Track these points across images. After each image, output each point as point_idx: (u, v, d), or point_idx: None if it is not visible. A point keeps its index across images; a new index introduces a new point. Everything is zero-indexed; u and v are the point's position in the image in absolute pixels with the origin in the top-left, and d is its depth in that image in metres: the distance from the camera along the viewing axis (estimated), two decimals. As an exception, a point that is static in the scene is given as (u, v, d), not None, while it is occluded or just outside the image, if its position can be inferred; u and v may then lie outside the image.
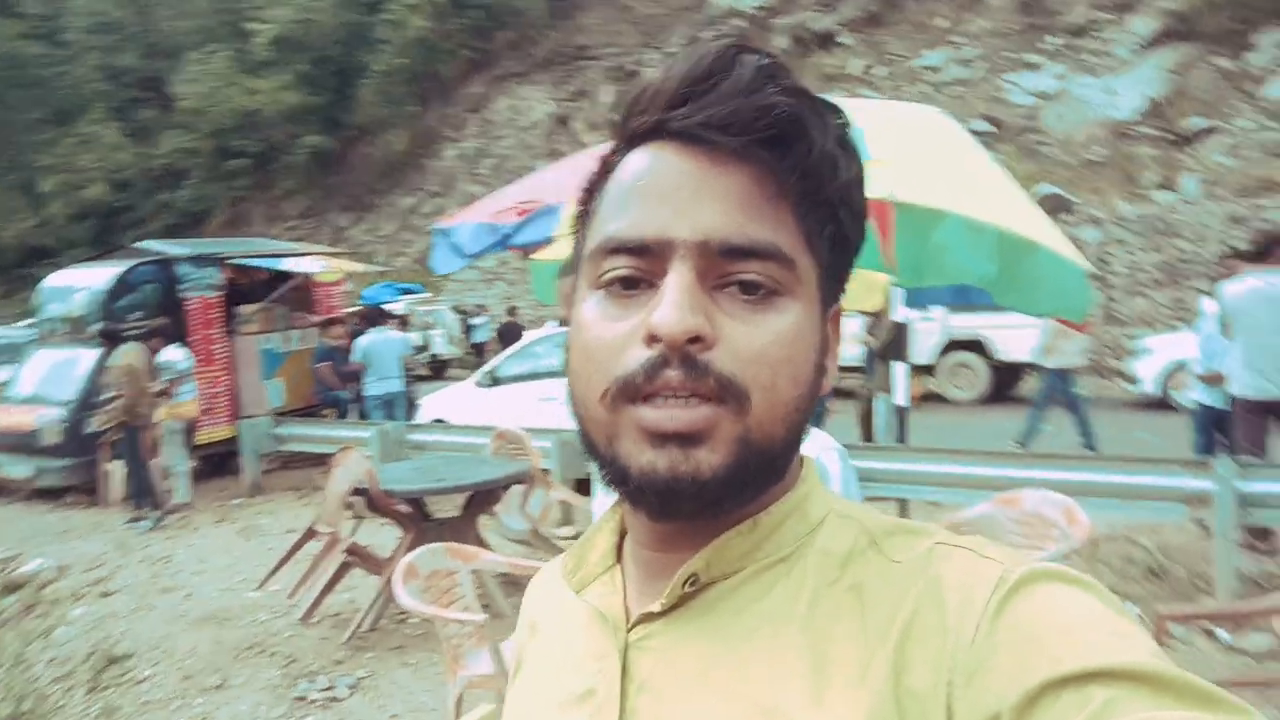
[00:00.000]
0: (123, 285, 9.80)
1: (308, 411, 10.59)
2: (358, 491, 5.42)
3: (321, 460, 9.60)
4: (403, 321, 12.17)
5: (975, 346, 12.62)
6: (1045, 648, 0.47)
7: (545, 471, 6.46)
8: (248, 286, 10.99)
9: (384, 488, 5.26)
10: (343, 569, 5.57)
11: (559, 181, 3.58)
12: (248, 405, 10.08)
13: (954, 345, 12.69)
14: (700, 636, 0.58)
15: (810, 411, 0.59)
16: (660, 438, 0.54)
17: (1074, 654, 0.46)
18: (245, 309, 10.52)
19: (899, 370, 6.21)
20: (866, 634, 0.53)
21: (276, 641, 5.19)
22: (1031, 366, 12.77)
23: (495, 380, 9.39)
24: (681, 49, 0.59)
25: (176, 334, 9.31)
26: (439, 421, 9.41)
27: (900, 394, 6.16)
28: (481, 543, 5.41)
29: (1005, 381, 13.03)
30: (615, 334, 0.56)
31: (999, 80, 18.96)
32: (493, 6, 27.46)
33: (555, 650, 0.67)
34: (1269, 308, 5.43)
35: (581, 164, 3.53)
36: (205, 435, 9.70)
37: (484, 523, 5.99)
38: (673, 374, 0.53)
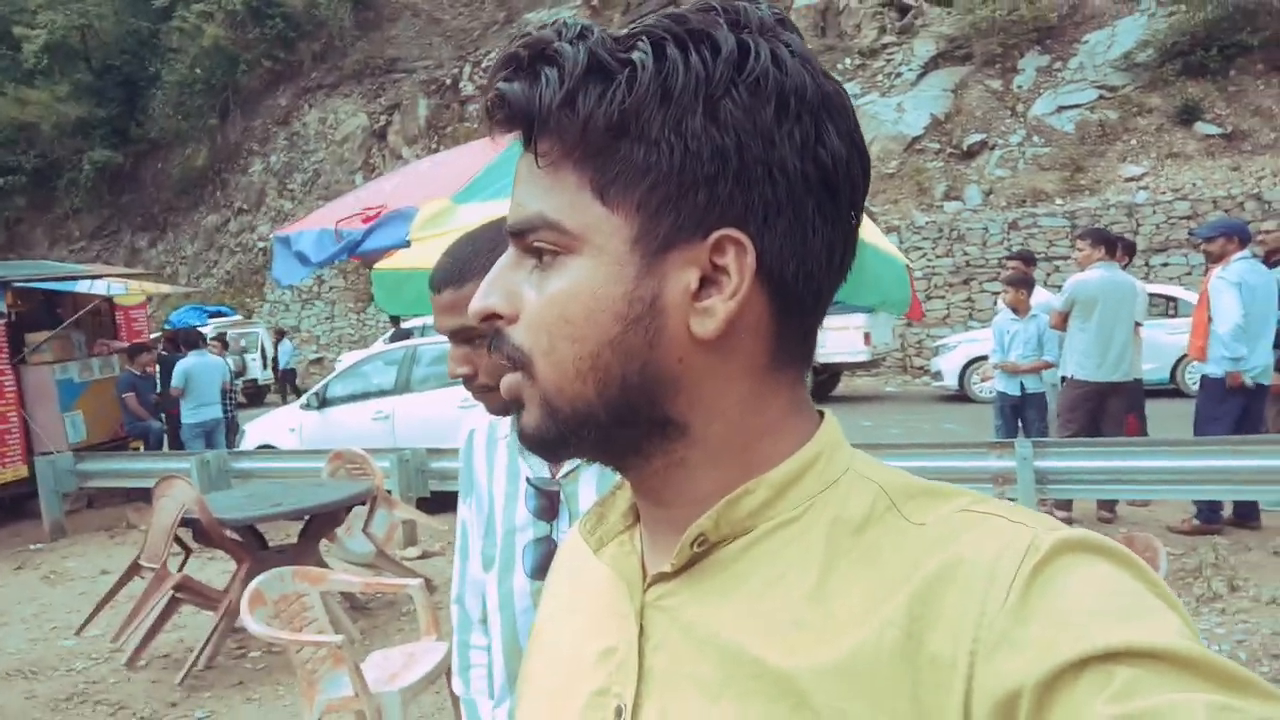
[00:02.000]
0: (-116, 315, 8.81)
1: (114, 445, 9.82)
2: (185, 523, 5.12)
3: (133, 496, 8.96)
4: (223, 344, 11.52)
5: (794, 349, 13.29)
6: (1071, 624, 0.46)
7: (388, 491, 6.31)
8: (36, 312, 10.09)
9: (216, 516, 4.99)
10: (171, 606, 5.23)
11: (402, 186, 3.53)
12: (44, 441, 9.24)
13: (774, 348, 13.33)
14: (712, 597, 0.58)
15: (632, 362, 0.56)
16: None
17: (1100, 632, 0.45)
18: (35, 337, 9.65)
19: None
20: (877, 596, 0.53)
21: (101, 689, 4.81)
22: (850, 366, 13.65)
23: (324, 402, 9.07)
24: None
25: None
26: (265, 448, 8.98)
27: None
28: (324, 568, 5.23)
29: (824, 382, 13.81)
30: None
31: (802, 98, 20.10)
32: (294, 15, 26.34)
33: (581, 607, 0.69)
34: (1115, 297, 5.96)
35: (421, 170, 3.50)
36: (-6, 477, 8.81)
37: (325, 548, 5.79)
38: (492, 347, 0.60)
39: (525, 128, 0.56)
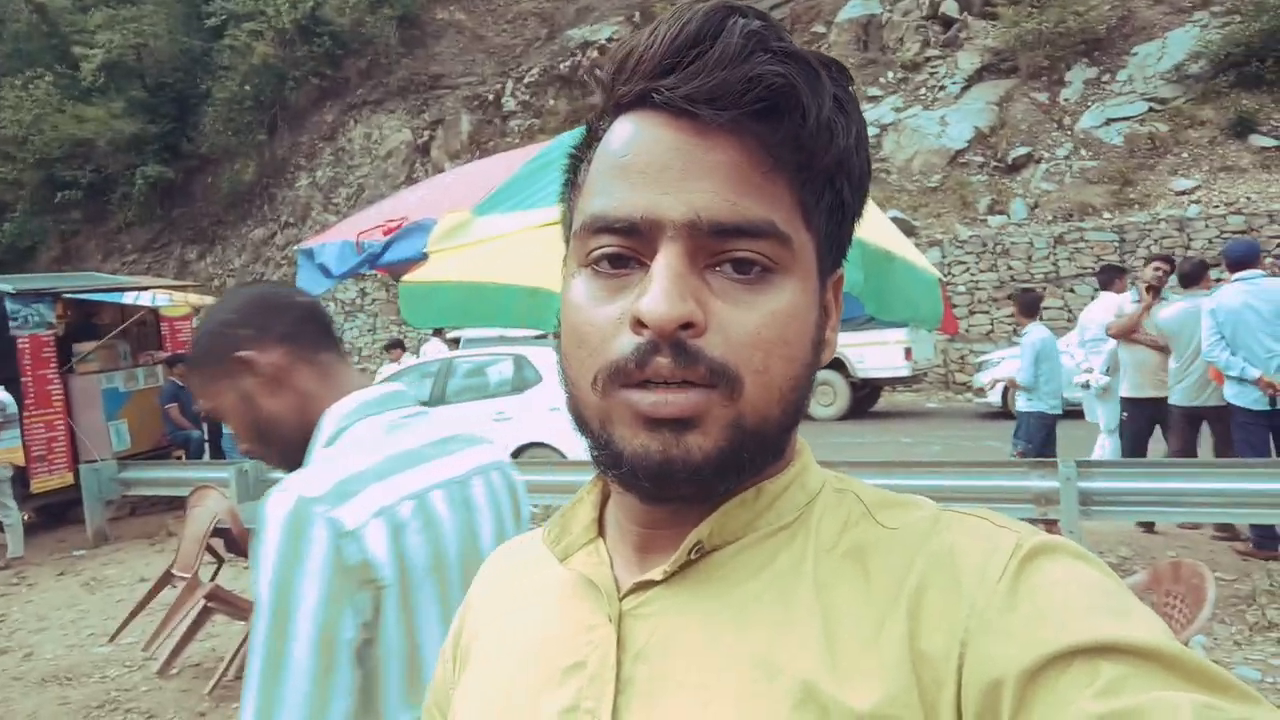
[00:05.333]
0: (-60, 325, 9.05)
1: (156, 453, 9.98)
2: (218, 532, 5.16)
3: (174, 504, 9.08)
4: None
5: (834, 365, 13.14)
6: (1057, 617, 0.47)
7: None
8: (85, 323, 10.32)
9: (248, 526, 5.02)
10: (203, 615, 5.26)
11: (425, 198, 3.53)
12: (89, 449, 9.41)
13: (814, 364, 13.16)
14: (704, 602, 0.56)
15: (808, 388, 0.57)
16: (654, 422, 0.52)
17: (1086, 626, 0.46)
18: (83, 346, 9.86)
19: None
20: (872, 596, 0.53)
21: (132, 697, 4.85)
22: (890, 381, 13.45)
23: (360, 413, 9.12)
24: (669, 9, 0.55)
25: (5, 375, 8.63)
26: (301, 458, 9.06)
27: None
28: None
29: (864, 398, 13.62)
30: (605, 317, 0.54)
31: (843, 111, 19.94)
32: (341, 34, 26.79)
33: (526, 629, 0.64)
34: (1195, 327, 5.94)
35: (445, 182, 3.50)
36: (41, 483, 8.99)
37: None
38: (663, 361, 0.51)
39: (762, 124, 0.52)
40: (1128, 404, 6.43)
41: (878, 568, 0.54)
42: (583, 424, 0.57)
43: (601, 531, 0.64)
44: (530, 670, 0.61)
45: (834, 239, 0.59)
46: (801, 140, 0.53)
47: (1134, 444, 6.40)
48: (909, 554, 0.53)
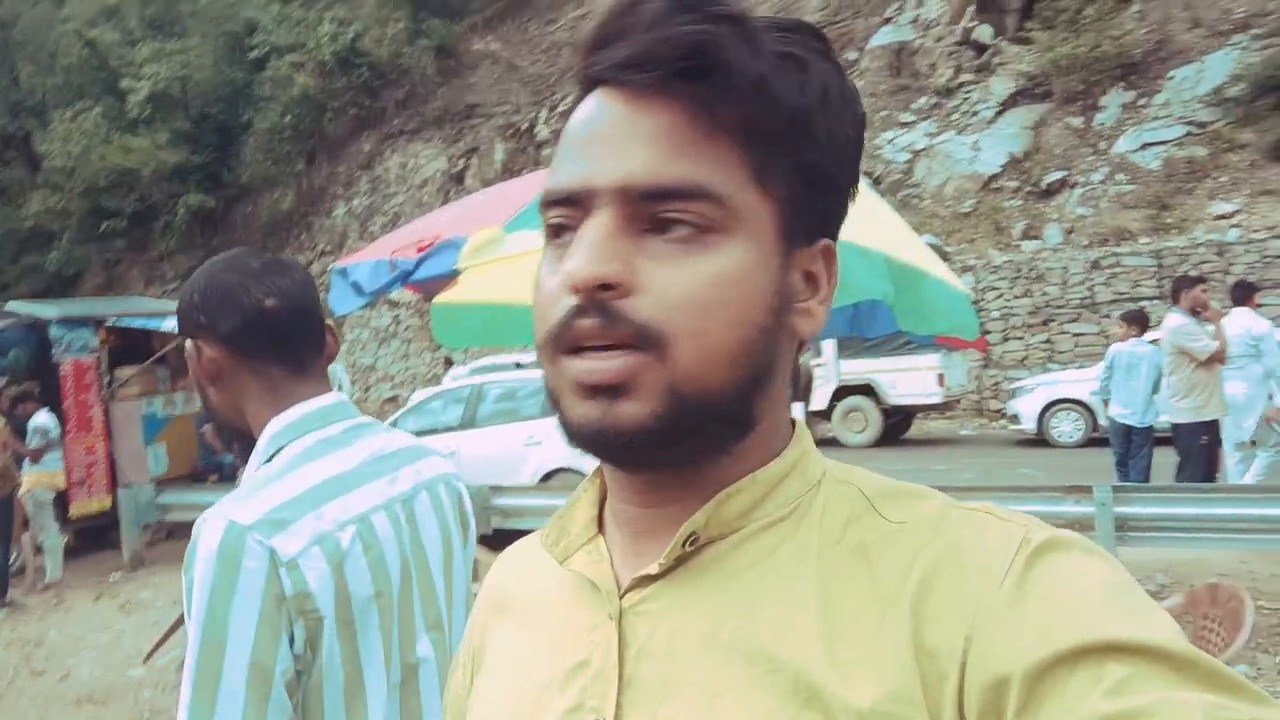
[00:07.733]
0: (-13, 349, 9.29)
1: (192, 478, 10.12)
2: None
3: (208, 527, 9.17)
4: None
5: (866, 391, 13.04)
6: (1066, 615, 0.46)
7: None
8: (126, 348, 10.52)
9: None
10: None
11: (458, 217, 3.58)
12: (127, 473, 9.56)
13: (845, 390, 13.08)
14: (704, 596, 0.55)
15: (766, 355, 0.56)
16: (589, 389, 0.52)
17: (1095, 624, 0.45)
18: (124, 371, 10.04)
19: (797, 411, 6.43)
20: (876, 591, 0.52)
21: (166, 718, 4.89)
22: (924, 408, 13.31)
23: (393, 437, 9.18)
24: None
25: (48, 399, 8.81)
26: (334, 481, 9.13)
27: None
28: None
29: (896, 425, 13.48)
30: (551, 287, 0.55)
31: (875, 138, 19.94)
32: (380, 65, 27.35)
33: (533, 632, 0.64)
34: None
35: (477, 201, 3.53)
36: (80, 507, 9.13)
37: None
38: (586, 323, 0.52)
39: (692, 84, 0.52)
40: (1211, 426, 6.37)
41: (882, 563, 0.53)
42: (548, 395, 0.58)
43: (602, 528, 0.64)
44: (537, 673, 0.61)
45: (806, 205, 0.57)
46: (733, 98, 0.52)
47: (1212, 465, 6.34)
48: (913, 549, 0.53)
